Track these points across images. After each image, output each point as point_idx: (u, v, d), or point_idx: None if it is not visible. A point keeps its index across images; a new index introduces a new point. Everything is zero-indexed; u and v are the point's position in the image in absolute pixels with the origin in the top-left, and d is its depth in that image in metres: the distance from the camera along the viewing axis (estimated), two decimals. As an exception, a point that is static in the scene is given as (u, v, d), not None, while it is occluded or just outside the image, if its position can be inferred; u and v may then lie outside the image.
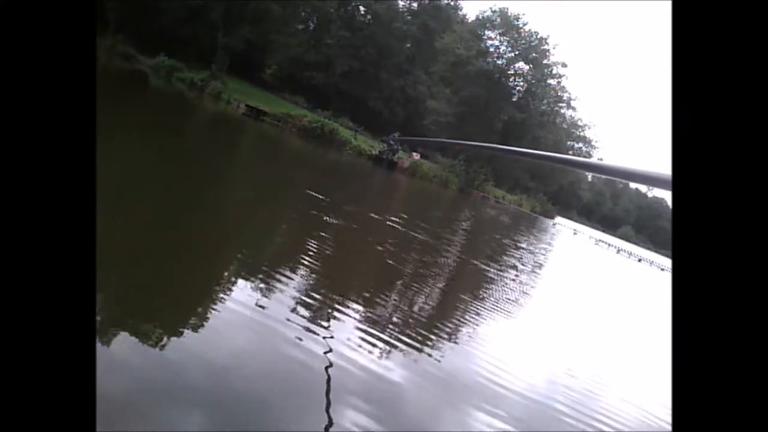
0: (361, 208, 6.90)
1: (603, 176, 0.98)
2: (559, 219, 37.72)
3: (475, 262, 6.02)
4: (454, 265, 5.34)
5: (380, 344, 2.38)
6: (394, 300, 3.30)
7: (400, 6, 37.52)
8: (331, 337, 2.21)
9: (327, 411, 1.65)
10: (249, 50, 25.33)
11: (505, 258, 7.28)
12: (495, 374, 2.51)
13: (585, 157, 52.81)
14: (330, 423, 1.59)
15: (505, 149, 1.45)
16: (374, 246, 4.61)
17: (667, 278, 16.85)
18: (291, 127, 18.20)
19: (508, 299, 4.53)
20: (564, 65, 34.34)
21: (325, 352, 2.03)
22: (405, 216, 7.65)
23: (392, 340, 2.48)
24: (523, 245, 10.16)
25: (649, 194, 77.34)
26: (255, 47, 26.07)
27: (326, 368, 1.93)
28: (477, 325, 3.43)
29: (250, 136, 12.87)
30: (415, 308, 3.30)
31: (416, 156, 21.82)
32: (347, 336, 2.32)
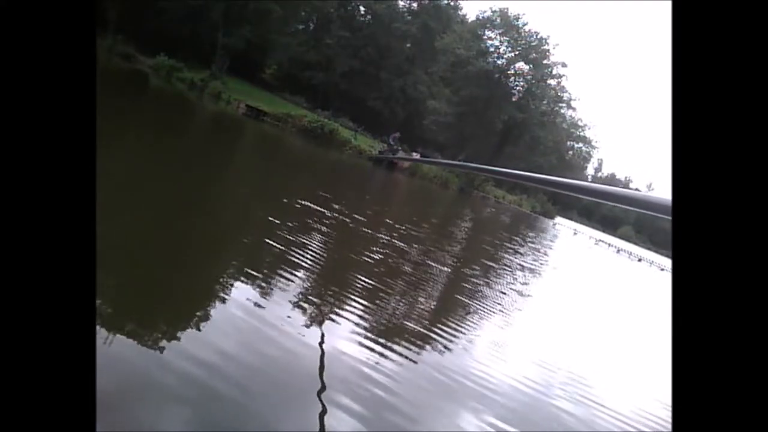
0: (363, 208, 6.90)
1: (600, 201, 0.96)
2: (559, 219, 37.71)
3: (475, 261, 6.02)
4: (453, 264, 5.34)
5: (377, 344, 2.38)
6: (391, 300, 3.30)
7: (400, 6, 37.55)
8: (322, 335, 2.22)
9: (319, 395, 1.73)
10: (249, 50, 25.35)
11: (505, 258, 7.28)
12: (493, 374, 2.51)
13: (585, 157, 52.98)
14: (324, 410, 1.64)
15: (499, 171, 1.44)
16: (373, 246, 4.61)
17: (666, 278, 16.86)
18: (291, 127, 18.20)
19: (509, 299, 4.53)
20: (564, 65, 34.34)
21: (320, 343, 2.07)
22: (406, 215, 7.65)
23: (389, 340, 2.48)
24: (523, 245, 10.16)
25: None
26: (255, 47, 26.08)
27: (321, 350, 2.06)
28: (476, 324, 3.43)
29: (250, 136, 12.87)
30: (413, 307, 3.30)
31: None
32: (342, 335, 2.33)
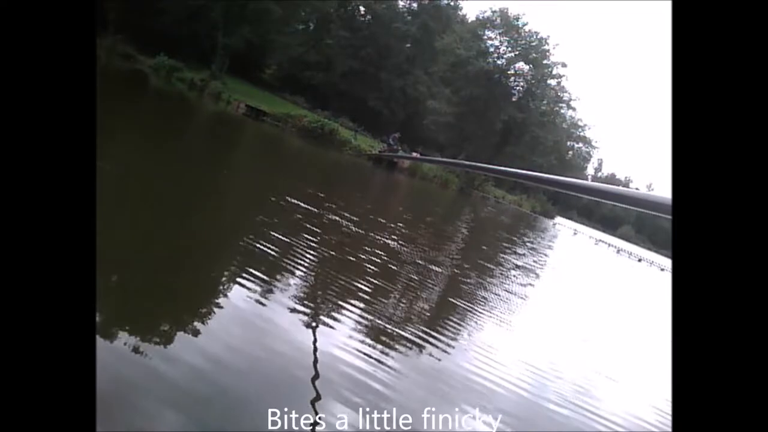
0: (361, 208, 6.90)
1: (600, 200, 0.95)
2: (559, 219, 37.71)
3: (475, 261, 6.02)
4: (453, 263, 5.34)
5: (375, 343, 2.38)
6: (390, 298, 3.30)
7: (400, 6, 37.54)
8: (315, 325, 2.23)
9: (313, 382, 1.74)
10: (249, 50, 25.33)
11: (504, 258, 7.28)
12: (492, 374, 2.51)
13: (585, 157, 52.97)
14: (318, 397, 1.67)
15: (499, 170, 1.42)
16: (373, 245, 4.61)
17: (667, 278, 16.85)
18: (291, 127, 18.19)
19: (508, 299, 4.52)
20: (564, 65, 34.25)
21: (313, 329, 2.05)
22: (405, 214, 7.64)
23: (387, 339, 2.48)
24: (522, 245, 10.16)
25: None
26: (255, 47, 26.07)
27: (314, 340, 2.09)
28: (475, 323, 3.43)
29: (250, 137, 12.87)
30: (412, 307, 3.30)
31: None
32: (339, 333, 2.32)
